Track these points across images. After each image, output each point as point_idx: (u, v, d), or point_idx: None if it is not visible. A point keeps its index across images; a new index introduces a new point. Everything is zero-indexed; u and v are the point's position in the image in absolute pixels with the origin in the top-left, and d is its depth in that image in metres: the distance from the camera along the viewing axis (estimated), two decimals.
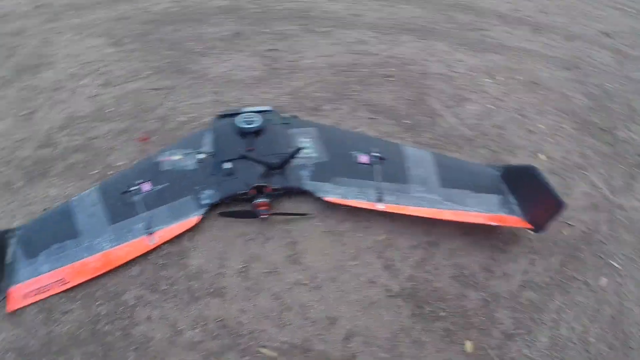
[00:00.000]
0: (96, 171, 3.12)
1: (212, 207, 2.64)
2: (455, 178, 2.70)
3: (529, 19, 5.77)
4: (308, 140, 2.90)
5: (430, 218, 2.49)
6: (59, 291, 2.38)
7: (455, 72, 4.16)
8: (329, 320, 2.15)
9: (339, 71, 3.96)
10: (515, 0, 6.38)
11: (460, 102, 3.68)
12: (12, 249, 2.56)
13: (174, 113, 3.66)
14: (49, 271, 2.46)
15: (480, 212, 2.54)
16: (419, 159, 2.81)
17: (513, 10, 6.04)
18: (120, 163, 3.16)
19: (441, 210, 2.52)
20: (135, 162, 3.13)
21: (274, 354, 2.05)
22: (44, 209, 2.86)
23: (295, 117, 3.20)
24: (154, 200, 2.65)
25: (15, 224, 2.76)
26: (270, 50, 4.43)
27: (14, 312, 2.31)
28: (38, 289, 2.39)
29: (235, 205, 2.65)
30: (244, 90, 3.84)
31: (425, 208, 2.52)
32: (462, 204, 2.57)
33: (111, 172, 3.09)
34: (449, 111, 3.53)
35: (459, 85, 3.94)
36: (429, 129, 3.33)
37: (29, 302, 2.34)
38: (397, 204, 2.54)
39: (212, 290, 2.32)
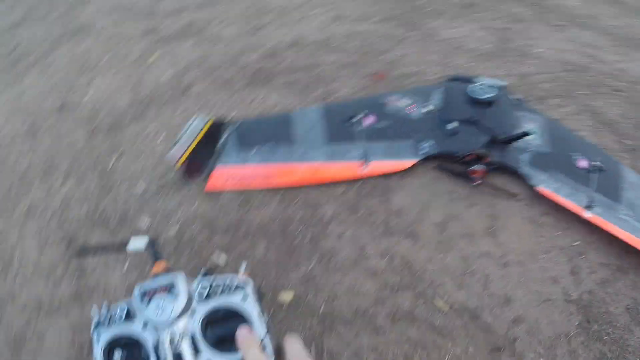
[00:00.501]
0: (317, 93, 3.38)
1: (427, 158, 2.77)
2: None
3: None
4: (534, 126, 2.92)
5: (626, 243, 2.44)
6: (261, 186, 2.65)
7: None
8: (505, 299, 2.24)
9: (569, 70, 3.86)
10: None
11: None
12: (226, 136, 2.87)
13: (401, 62, 3.81)
14: (259, 163, 2.74)
15: None
16: (636, 183, 2.74)
17: None
18: (342, 92, 3.39)
19: None
20: (357, 95, 3.34)
21: (446, 307, 2.18)
22: (261, 112, 3.17)
23: (520, 100, 3.21)
24: (374, 135, 2.84)
25: (231, 116, 3.10)
26: (503, 29, 4.39)
27: (212, 192, 2.62)
28: (242, 177, 2.68)
29: (448, 164, 2.77)
30: (471, 60, 3.88)
31: (628, 233, 2.47)
32: None
33: (331, 97, 3.33)
34: None
35: None
36: None
37: (230, 188, 2.65)
38: (602, 217, 2.52)
39: (407, 231, 2.48)
